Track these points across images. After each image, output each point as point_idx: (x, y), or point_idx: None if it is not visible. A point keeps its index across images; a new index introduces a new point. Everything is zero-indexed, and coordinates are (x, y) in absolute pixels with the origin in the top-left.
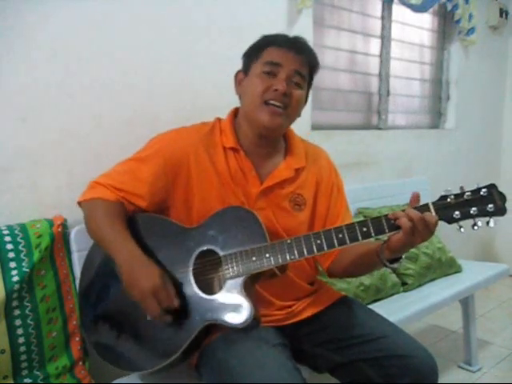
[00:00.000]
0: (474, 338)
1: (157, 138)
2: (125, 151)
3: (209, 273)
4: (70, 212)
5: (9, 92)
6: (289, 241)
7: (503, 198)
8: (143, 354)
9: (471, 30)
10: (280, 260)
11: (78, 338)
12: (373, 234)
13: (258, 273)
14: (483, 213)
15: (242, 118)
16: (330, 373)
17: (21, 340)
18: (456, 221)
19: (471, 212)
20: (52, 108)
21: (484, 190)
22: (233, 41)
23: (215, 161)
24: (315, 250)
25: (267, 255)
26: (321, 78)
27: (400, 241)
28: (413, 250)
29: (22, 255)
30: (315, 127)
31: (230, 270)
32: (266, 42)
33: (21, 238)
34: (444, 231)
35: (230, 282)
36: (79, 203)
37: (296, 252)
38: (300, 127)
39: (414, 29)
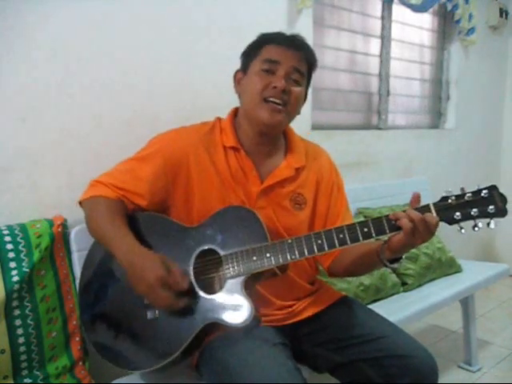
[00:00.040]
0: (474, 338)
1: (157, 138)
2: (125, 151)
3: (209, 272)
4: (69, 212)
5: (9, 92)
6: (289, 240)
7: (504, 199)
8: (143, 353)
9: (471, 30)
10: (281, 260)
11: (78, 338)
12: (374, 235)
13: (259, 272)
14: (484, 214)
15: (241, 116)
16: (330, 373)
17: (21, 340)
18: (457, 222)
19: (472, 213)
20: (52, 108)
21: (485, 191)
22: (233, 41)
23: (215, 160)
24: (316, 250)
25: (268, 255)
26: (321, 78)
27: (400, 241)
28: (413, 250)
29: (22, 255)
30: (315, 127)
31: (231, 269)
32: (264, 40)
33: (21, 238)
34: (444, 231)
35: (230, 282)
36: (80, 203)
37: (297, 252)
38: (300, 127)
39: (414, 29)
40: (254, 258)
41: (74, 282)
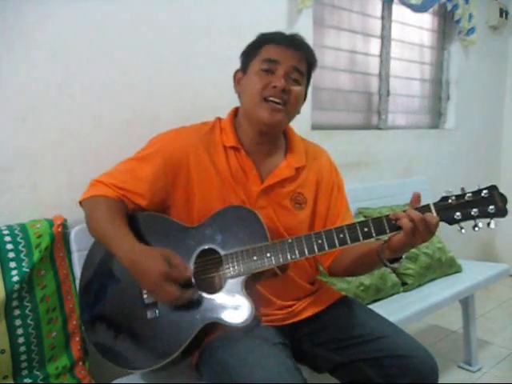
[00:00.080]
0: (474, 338)
1: (157, 138)
2: (125, 151)
3: (209, 272)
4: (70, 212)
5: (9, 92)
6: (290, 240)
7: (504, 199)
8: (143, 352)
9: (471, 30)
10: (281, 259)
11: (78, 338)
12: (374, 235)
13: (259, 272)
14: (484, 214)
15: (241, 116)
16: (330, 373)
17: (21, 340)
18: (457, 222)
19: (472, 213)
20: (52, 108)
21: (485, 191)
22: (233, 41)
23: (215, 160)
24: (316, 250)
25: (268, 254)
26: (321, 78)
27: (401, 241)
28: (413, 250)
29: (22, 255)
30: (315, 127)
31: (231, 269)
32: (264, 40)
33: (21, 238)
34: (444, 231)
35: (230, 282)
36: (80, 202)
37: (297, 251)
38: (300, 127)
39: (414, 29)
40: (255, 258)
41: (74, 282)
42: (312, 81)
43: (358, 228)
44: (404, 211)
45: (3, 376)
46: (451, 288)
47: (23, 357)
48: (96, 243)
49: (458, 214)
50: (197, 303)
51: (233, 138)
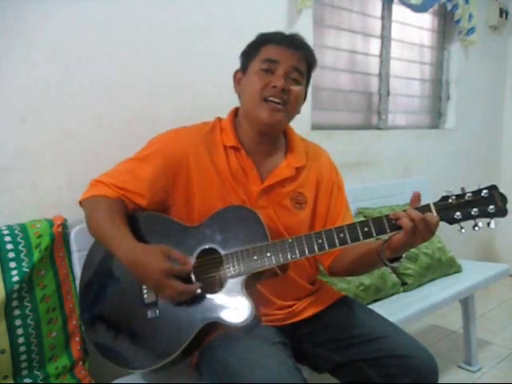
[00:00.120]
0: (474, 338)
1: (157, 138)
2: (125, 151)
3: (210, 271)
4: (70, 212)
5: (9, 92)
6: (290, 240)
7: (504, 199)
8: (143, 352)
9: (471, 30)
10: (281, 259)
11: (78, 338)
12: (374, 234)
13: (259, 272)
14: (484, 214)
15: (242, 116)
16: (330, 373)
17: (21, 340)
18: (457, 221)
19: (472, 213)
20: (52, 108)
21: (485, 191)
22: (233, 41)
23: (216, 160)
24: (316, 250)
25: (268, 254)
26: (321, 78)
27: (401, 241)
28: (413, 249)
29: (22, 255)
30: (315, 127)
31: (231, 268)
32: (263, 40)
33: (21, 238)
34: (444, 231)
35: (230, 281)
36: (80, 202)
37: (297, 251)
38: (300, 127)
39: (414, 29)
40: (255, 258)
41: (74, 282)
42: (312, 81)
43: (358, 228)
44: (404, 211)
45: (3, 376)
46: (451, 288)
47: (23, 357)
48: (96, 243)
49: (458, 213)
50: (197, 303)
51: (233, 138)
